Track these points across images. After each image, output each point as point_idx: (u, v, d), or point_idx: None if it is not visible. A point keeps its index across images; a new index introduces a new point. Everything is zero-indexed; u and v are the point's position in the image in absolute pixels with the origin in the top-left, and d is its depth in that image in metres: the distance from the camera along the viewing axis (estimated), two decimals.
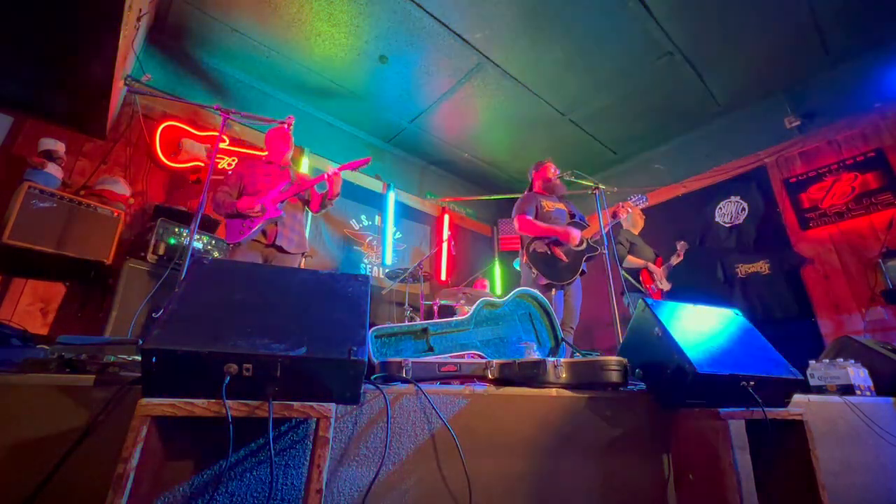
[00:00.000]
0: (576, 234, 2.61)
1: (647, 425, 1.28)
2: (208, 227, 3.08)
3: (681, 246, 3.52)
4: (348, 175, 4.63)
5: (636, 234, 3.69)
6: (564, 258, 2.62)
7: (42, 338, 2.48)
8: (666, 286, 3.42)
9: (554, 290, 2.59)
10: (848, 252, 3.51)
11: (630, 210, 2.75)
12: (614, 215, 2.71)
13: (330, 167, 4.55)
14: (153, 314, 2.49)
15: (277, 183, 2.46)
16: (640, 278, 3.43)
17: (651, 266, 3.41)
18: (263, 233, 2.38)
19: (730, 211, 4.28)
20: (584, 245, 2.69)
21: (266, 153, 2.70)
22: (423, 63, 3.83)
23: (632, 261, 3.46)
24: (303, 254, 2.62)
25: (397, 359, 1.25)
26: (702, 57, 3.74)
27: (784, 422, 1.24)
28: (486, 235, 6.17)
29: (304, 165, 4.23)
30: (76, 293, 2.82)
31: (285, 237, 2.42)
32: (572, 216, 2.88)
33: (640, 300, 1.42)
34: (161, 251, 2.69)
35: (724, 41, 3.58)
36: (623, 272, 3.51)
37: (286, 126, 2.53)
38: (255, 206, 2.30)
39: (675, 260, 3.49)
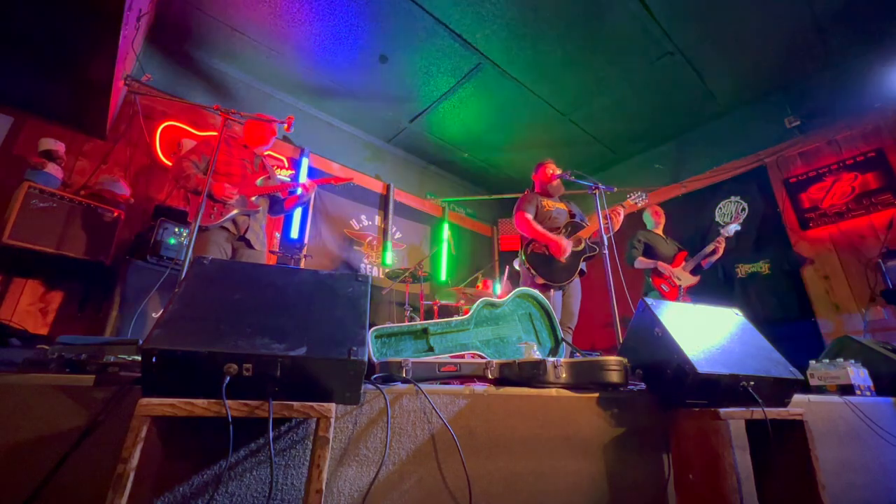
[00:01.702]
0: (566, 247, 2.59)
1: (647, 425, 1.28)
2: None
3: (725, 231, 3.32)
4: (349, 174, 4.64)
5: (658, 232, 3.66)
6: (562, 259, 2.62)
7: (42, 338, 2.48)
8: (687, 281, 3.33)
9: (552, 290, 2.59)
10: (848, 252, 3.51)
11: (622, 213, 2.72)
12: (613, 218, 2.68)
13: (334, 167, 4.56)
14: (153, 314, 2.49)
15: (253, 172, 2.39)
16: (651, 278, 3.42)
17: (661, 265, 3.39)
18: (234, 222, 2.27)
19: (730, 211, 4.28)
20: (583, 245, 2.69)
21: (242, 136, 2.55)
22: (423, 63, 3.83)
23: (642, 262, 3.44)
24: (301, 259, 2.59)
25: (397, 359, 1.25)
26: (702, 57, 3.74)
27: (784, 422, 1.24)
28: (486, 235, 6.17)
29: (304, 165, 4.23)
30: (76, 293, 2.83)
31: (254, 232, 2.35)
32: (572, 216, 2.88)
33: (641, 300, 1.42)
34: (161, 251, 2.69)
35: (724, 41, 3.58)
36: (645, 273, 3.49)
37: (286, 126, 2.53)
38: (231, 194, 2.21)
39: (710, 249, 3.30)
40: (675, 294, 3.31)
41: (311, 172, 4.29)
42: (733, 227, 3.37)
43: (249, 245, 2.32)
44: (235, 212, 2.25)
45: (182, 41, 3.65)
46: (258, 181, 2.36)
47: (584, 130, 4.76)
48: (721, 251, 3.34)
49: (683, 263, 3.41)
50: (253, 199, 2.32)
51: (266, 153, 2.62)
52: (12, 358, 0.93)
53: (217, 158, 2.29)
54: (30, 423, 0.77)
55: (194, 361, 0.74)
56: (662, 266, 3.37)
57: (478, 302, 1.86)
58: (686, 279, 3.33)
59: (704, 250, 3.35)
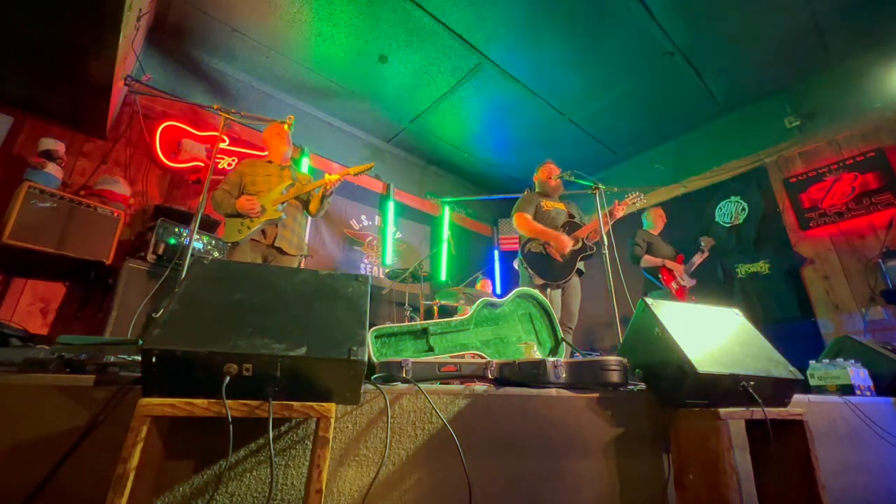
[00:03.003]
0: (567, 241, 2.61)
1: (647, 425, 1.28)
2: (208, 227, 3.08)
3: (705, 242, 3.53)
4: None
5: (655, 234, 3.70)
6: (559, 258, 2.62)
7: (42, 338, 2.48)
8: (689, 282, 3.43)
9: (550, 289, 2.59)
10: (848, 252, 3.51)
11: (624, 210, 2.73)
12: (610, 214, 2.70)
13: (334, 167, 4.56)
14: (153, 314, 2.48)
15: (278, 183, 2.46)
16: (661, 276, 3.43)
17: (669, 263, 3.42)
18: (263, 233, 2.38)
19: (730, 211, 4.28)
20: (580, 244, 2.69)
21: (266, 153, 2.69)
22: (423, 63, 3.83)
23: (649, 260, 3.48)
24: (304, 256, 2.62)
25: (397, 359, 1.25)
26: (702, 57, 3.74)
27: (784, 422, 1.24)
28: (486, 235, 6.17)
29: (304, 165, 4.23)
30: (76, 293, 2.83)
31: (285, 238, 2.42)
32: (571, 216, 2.88)
33: (641, 300, 1.42)
34: (161, 251, 2.69)
35: (724, 41, 3.58)
36: (644, 272, 3.52)
37: (286, 126, 2.53)
38: (255, 206, 2.30)
39: (698, 258, 3.50)
40: (682, 293, 3.36)
41: (312, 172, 4.29)
42: (706, 242, 3.55)
43: (282, 252, 2.41)
44: (261, 225, 2.33)
45: (182, 41, 3.65)
46: (282, 190, 2.43)
47: (584, 130, 4.76)
48: (700, 260, 3.55)
49: (684, 265, 3.46)
50: (276, 207, 2.37)
51: (289, 161, 2.66)
52: (12, 358, 0.93)
53: (245, 181, 2.45)
54: (30, 423, 0.77)
55: (194, 361, 0.74)
56: (671, 264, 3.41)
57: (478, 302, 1.86)
58: (687, 280, 3.41)
59: (692, 259, 3.48)
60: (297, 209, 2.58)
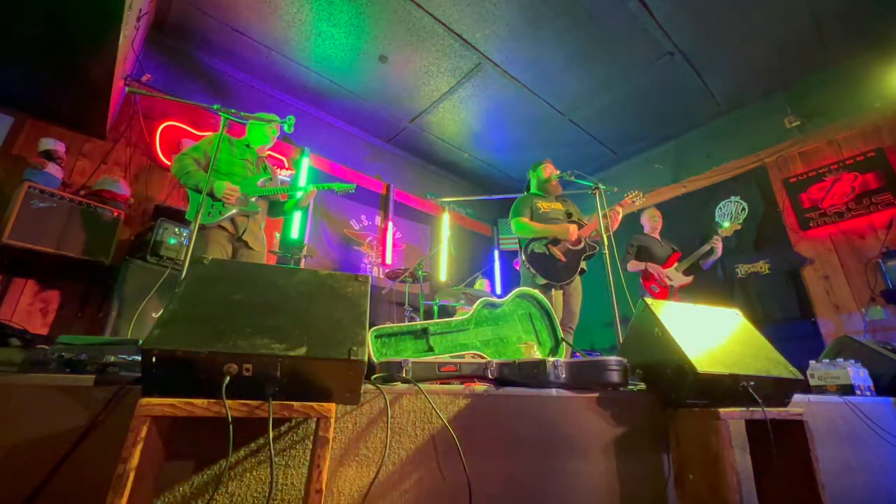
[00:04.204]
0: (573, 230, 2.61)
1: (647, 425, 1.28)
2: None
3: (718, 235, 3.35)
4: (349, 175, 4.65)
5: (655, 235, 3.67)
6: (562, 258, 2.62)
7: (42, 338, 2.47)
8: (680, 281, 3.35)
9: (553, 289, 2.59)
10: (848, 252, 3.51)
11: (620, 213, 2.70)
12: (612, 217, 2.68)
13: (334, 167, 4.55)
14: (153, 314, 2.48)
15: (254, 173, 2.38)
16: (641, 279, 3.43)
17: (650, 266, 3.40)
18: (232, 221, 2.24)
19: (730, 211, 4.28)
20: (583, 244, 2.69)
21: (245, 136, 2.52)
22: (423, 63, 3.83)
23: (634, 265, 3.46)
24: (303, 256, 2.59)
25: (397, 359, 1.25)
26: (702, 57, 3.74)
27: (784, 422, 1.24)
28: (486, 235, 6.17)
29: (304, 166, 4.23)
30: (76, 293, 2.82)
31: (252, 233, 2.31)
32: (569, 215, 2.87)
33: (641, 300, 1.42)
34: (161, 251, 2.69)
35: (724, 41, 3.58)
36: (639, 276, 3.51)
37: (286, 126, 2.52)
38: (236, 195, 2.19)
39: (706, 249, 3.32)
40: (665, 294, 3.33)
41: (312, 173, 4.29)
42: (731, 228, 3.41)
43: (248, 246, 2.30)
44: (234, 211, 2.23)
45: (182, 41, 3.65)
46: (259, 182, 2.36)
47: (584, 130, 4.76)
48: (720, 251, 3.36)
49: (676, 264, 3.43)
50: (253, 199, 2.31)
51: (267, 152, 2.62)
52: (12, 358, 0.93)
53: (219, 157, 2.27)
54: (30, 423, 0.77)
55: (194, 361, 0.74)
56: (651, 267, 3.39)
57: (478, 302, 1.86)
58: (678, 279, 3.35)
59: (700, 251, 3.39)
60: (264, 205, 2.48)
